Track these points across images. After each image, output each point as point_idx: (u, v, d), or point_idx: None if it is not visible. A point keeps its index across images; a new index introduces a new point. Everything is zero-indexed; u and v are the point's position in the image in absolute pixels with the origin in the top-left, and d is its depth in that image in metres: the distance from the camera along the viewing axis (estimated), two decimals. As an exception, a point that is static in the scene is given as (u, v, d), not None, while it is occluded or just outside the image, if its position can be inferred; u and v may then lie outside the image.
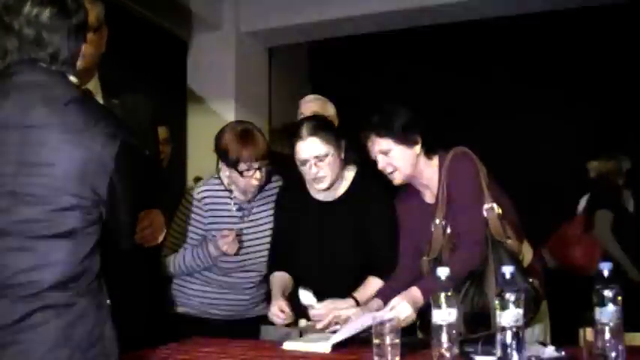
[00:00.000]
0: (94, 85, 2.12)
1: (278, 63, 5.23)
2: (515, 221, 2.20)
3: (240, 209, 2.55)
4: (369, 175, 2.37)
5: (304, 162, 2.29)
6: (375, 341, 1.70)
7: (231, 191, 2.55)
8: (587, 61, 5.02)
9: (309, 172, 2.30)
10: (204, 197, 2.54)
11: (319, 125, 2.31)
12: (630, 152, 4.43)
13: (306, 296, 2.20)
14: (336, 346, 1.94)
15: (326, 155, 2.27)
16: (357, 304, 2.19)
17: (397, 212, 2.32)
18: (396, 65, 5.37)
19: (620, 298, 1.59)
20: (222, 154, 2.47)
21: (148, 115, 2.24)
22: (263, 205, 2.56)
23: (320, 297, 2.20)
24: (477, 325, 1.89)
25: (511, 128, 5.26)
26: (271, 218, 2.55)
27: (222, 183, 2.56)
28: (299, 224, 2.43)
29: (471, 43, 5.05)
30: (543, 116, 5.29)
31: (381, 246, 2.31)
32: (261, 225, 2.55)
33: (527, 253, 2.19)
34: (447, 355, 1.61)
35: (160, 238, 2.12)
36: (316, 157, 2.27)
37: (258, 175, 2.43)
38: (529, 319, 1.99)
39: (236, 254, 2.46)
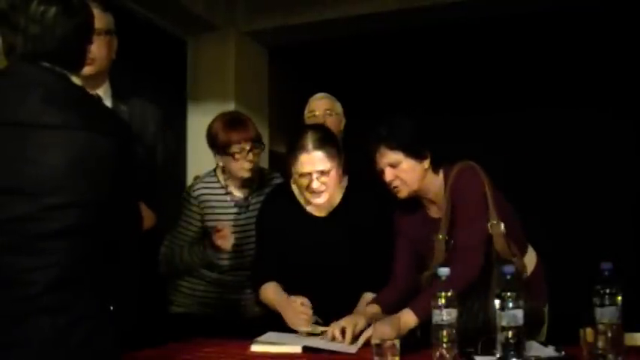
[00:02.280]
0: (104, 91, 2.15)
1: (278, 63, 5.23)
2: (519, 234, 2.19)
3: (237, 205, 2.53)
4: (362, 184, 2.31)
5: (305, 175, 2.16)
6: (375, 341, 1.70)
7: (228, 187, 2.53)
8: (590, 60, 5.02)
9: (308, 185, 2.17)
10: (200, 194, 2.53)
11: (325, 138, 2.18)
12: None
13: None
14: (308, 350, 1.93)
15: (329, 170, 2.16)
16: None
17: (398, 222, 2.28)
18: (396, 65, 5.37)
19: (620, 298, 1.59)
20: (213, 142, 2.47)
21: (155, 121, 2.25)
22: (261, 200, 2.51)
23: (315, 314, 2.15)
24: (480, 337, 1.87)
25: (512, 128, 5.26)
26: None
27: (218, 180, 2.55)
28: (289, 239, 2.29)
29: (473, 42, 5.04)
30: (545, 116, 5.29)
31: (377, 259, 2.22)
32: None
33: (529, 264, 2.18)
34: (447, 355, 1.61)
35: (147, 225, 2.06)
36: (319, 171, 2.15)
37: (250, 156, 2.42)
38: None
39: (232, 250, 2.43)
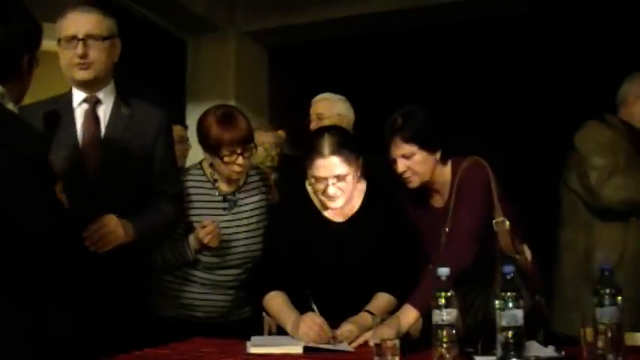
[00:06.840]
0: (106, 94, 2.14)
1: (278, 63, 5.23)
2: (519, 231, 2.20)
3: (225, 200, 2.42)
4: (382, 189, 2.28)
5: (321, 180, 2.10)
6: (375, 341, 1.70)
7: (216, 181, 2.42)
8: (587, 62, 5.02)
9: (324, 190, 2.11)
10: (186, 187, 2.39)
11: (342, 141, 2.11)
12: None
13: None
14: (310, 350, 1.91)
15: (346, 175, 2.09)
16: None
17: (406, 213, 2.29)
18: (395, 65, 5.37)
19: (620, 298, 1.59)
20: (203, 139, 2.33)
21: (156, 125, 2.21)
22: (250, 196, 2.43)
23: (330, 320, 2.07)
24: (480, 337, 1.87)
25: (511, 128, 5.26)
26: (258, 211, 2.42)
27: (205, 174, 2.43)
28: (305, 244, 2.21)
29: (472, 42, 5.05)
30: (544, 117, 5.29)
31: (395, 265, 2.17)
32: (247, 218, 2.41)
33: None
34: (447, 355, 1.61)
35: (114, 242, 2.01)
36: (336, 176, 2.08)
37: (240, 160, 2.29)
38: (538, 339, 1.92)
39: (219, 248, 2.32)
